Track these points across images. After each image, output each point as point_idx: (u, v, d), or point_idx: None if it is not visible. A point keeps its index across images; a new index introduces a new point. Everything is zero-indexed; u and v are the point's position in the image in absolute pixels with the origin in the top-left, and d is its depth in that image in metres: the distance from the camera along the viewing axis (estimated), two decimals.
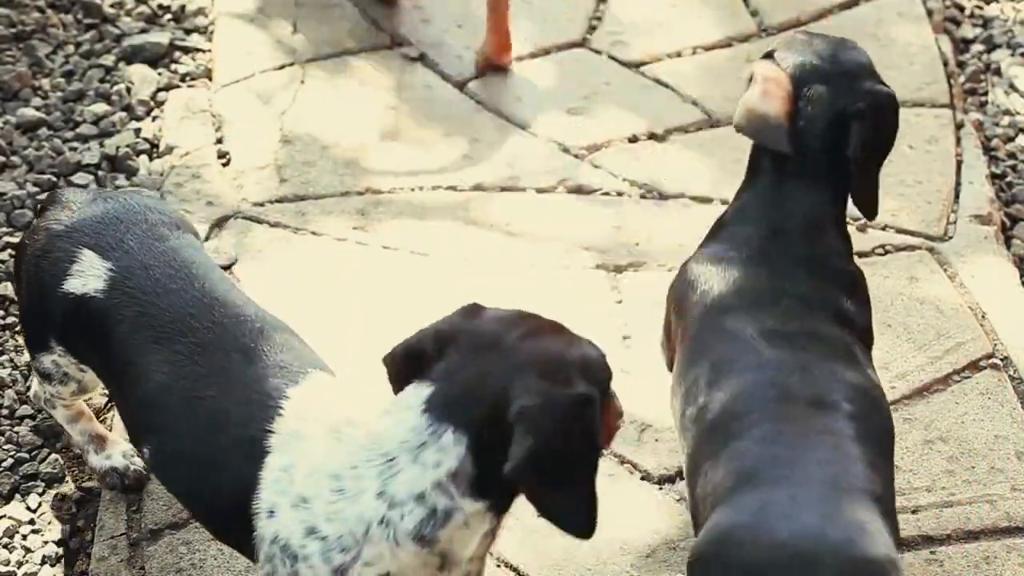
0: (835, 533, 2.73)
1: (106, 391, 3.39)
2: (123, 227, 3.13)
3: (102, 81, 4.52)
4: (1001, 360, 3.78)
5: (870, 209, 3.21)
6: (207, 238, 4.03)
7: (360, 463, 2.74)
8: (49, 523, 3.44)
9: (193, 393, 2.91)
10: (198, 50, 4.63)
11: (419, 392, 2.75)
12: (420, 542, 2.72)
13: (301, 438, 2.82)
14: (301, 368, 2.96)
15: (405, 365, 2.83)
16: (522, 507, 3.42)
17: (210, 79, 4.54)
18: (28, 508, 3.45)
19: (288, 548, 2.77)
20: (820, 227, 3.17)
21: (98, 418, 3.60)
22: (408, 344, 2.85)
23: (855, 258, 3.28)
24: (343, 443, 2.79)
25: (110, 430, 3.55)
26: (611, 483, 3.43)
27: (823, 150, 3.13)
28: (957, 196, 4.22)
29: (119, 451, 3.44)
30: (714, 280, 3.17)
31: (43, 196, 4.13)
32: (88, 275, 3.07)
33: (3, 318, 3.85)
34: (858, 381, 3.03)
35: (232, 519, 2.85)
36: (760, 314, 3.09)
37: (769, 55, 3.22)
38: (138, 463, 3.42)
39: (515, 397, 2.69)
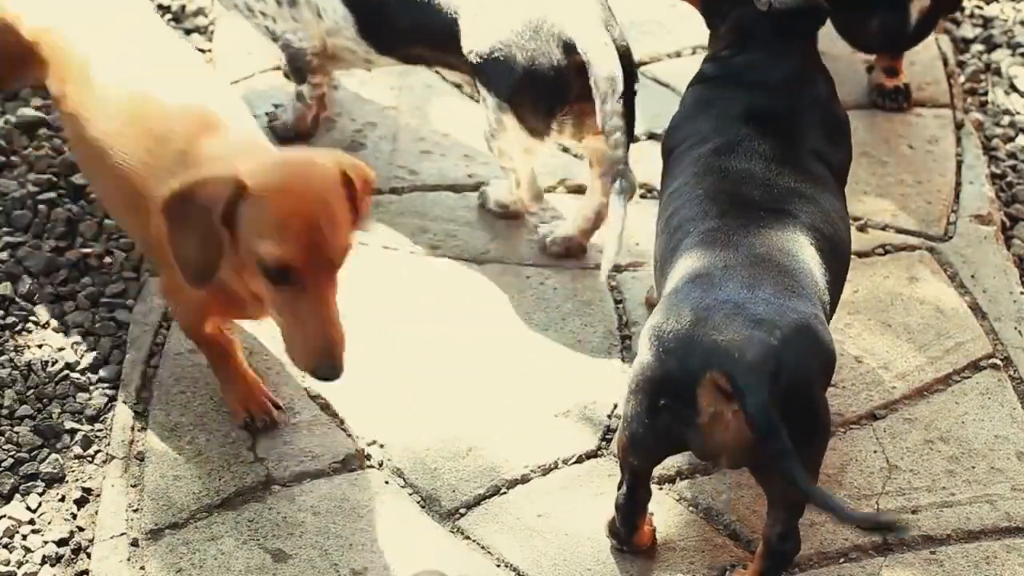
0: (763, 291, 3.09)
1: None
2: None
3: None
4: (1001, 360, 3.78)
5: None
6: None
7: None
8: (49, 523, 3.44)
9: None
10: (198, 50, 4.63)
11: None
12: None
13: None
14: None
15: None
16: (522, 508, 3.43)
17: None
18: (28, 508, 3.45)
19: None
20: (801, 77, 3.56)
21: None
22: None
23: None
24: None
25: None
26: (611, 483, 3.43)
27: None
28: (957, 196, 4.22)
29: None
30: (696, 122, 3.56)
31: (43, 196, 4.13)
32: None
33: (3, 318, 3.85)
34: (824, 205, 3.37)
35: None
36: (734, 144, 3.44)
37: None
38: None
39: None
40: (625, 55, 3.78)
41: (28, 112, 4.38)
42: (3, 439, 3.58)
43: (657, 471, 3.50)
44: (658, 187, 4.19)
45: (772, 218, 3.29)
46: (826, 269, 3.27)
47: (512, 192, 4.05)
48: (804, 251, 3.25)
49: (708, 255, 3.20)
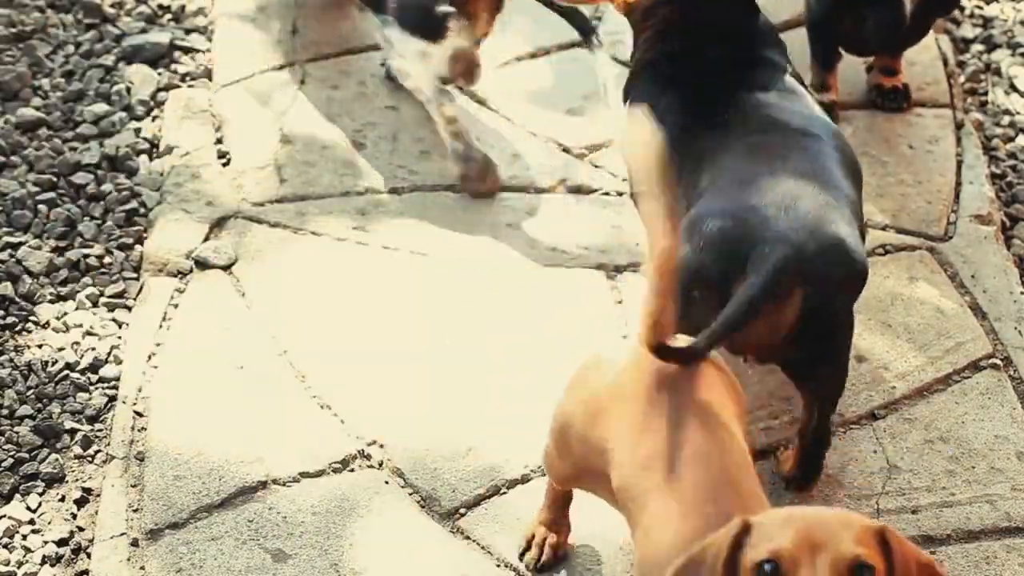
0: (803, 201, 3.14)
1: None
2: None
3: (102, 81, 4.52)
4: (1001, 360, 3.78)
5: None
6: (207, 238, 4.03)
7: None
8: (49, 523, 3.44)
9: None
10: (198, 50, 4.63)
11: None
12: None
13: None
14: None
15: None
16: (522, 508, 3.42)
17: (210, 79, 4.54)
18: (28, 508, 3.46)
19: None
20: (757, 27, 3.61)
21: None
22: None
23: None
24: None
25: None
26: None
27: None
28: (957, 196, 4.22)
29: None
30: (663, 97, 3.51)
31: (43, 196, 4.13)
32: None
33: (3, 318, 3.85)
34: (837, 129, 3.46)
35: None
36: (737, 125, 3.43)
37: None
38: None
39: None
40: None
41: (28, 112, 4.38)
42: (3, 439, 3.58)
43: None
44: None
45: (804, 139, 3.35)
46: (852, 181, 3.35)
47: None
48: (836, 169, 3.32)
49: (747, 165, 3.27)
